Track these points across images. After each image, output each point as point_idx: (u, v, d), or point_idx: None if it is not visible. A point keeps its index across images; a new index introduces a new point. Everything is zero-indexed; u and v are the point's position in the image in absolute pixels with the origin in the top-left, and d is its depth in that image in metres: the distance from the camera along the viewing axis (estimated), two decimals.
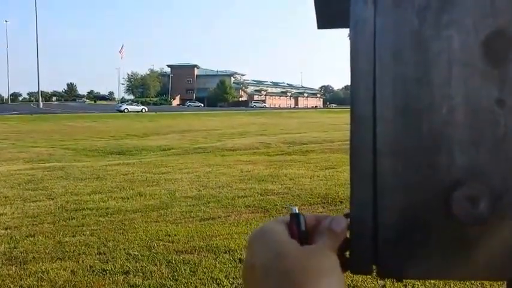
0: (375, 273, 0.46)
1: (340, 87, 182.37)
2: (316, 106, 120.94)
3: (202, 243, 4.33)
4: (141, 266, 3.82)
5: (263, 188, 6.70)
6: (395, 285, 3.24)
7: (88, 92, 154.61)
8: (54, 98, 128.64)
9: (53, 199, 6.34)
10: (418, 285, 3.33)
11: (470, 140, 0.44)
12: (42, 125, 27.28)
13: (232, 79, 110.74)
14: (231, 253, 4.05)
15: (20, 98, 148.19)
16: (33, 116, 39.39)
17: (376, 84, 0.45)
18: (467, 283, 3.33)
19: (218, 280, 3.52)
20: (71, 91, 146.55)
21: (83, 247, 4.30)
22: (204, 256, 4.01)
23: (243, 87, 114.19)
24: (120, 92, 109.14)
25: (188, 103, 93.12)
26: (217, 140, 17.13)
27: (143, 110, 60.34)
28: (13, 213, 5.62)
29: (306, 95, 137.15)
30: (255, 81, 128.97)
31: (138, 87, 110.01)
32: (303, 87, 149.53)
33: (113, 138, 18.67)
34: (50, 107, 70.16)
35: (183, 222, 5.09)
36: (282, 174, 7.97)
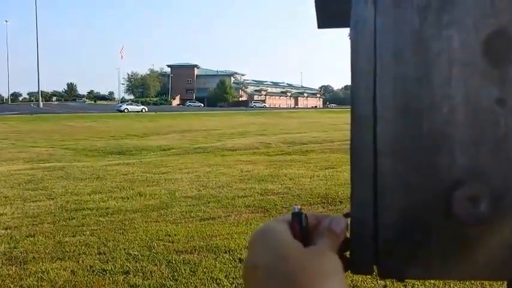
0: (375, 273, 0.46)
1: (340, 87, 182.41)
2: (316, 106, 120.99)
3: (202, 243, 4.33)
4: (141, 266, 3.82)
5: (263, 188, 6.70)
6: (395, 285, 3.25)
7: (88, 92, 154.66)
8: (54, 98, 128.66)
9: (53, 199, 6.34)
10: (418, 285, 3.33)
11: (471, 140, 0.44)
12: (42, 125, 27.28)
13: (232, 79, 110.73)
14: (231, 253, 4.05)
15: (20, 98, 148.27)
16: (33, 116, 39.39)
17: (376, 84, 0.45)
18: (467, 283, 3.33)
19: (218, 280, 3.52)
20: (71, 91, 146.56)
21: (83, 247, 4.30)
22: (204, 256, 4.01)
23: (243, 87, 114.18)
24: (120, 92, 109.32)
25: (188, 103, 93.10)
26: (217, 140, 17.14)
27: (143, 110, 60.34)
28: (13, 213, 5.62)
29: (305, 95, 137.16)
30: (255, 81, 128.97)
31: (138, 87, 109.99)
32: (302, 87, 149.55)
33: (113, 138, 18.67)
34: (50, 107, 70.16)
35: (183, 222, 5.09)
36: (282, 174, 7.97)
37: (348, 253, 0.47)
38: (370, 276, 2.81)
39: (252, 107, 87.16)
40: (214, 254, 4.06)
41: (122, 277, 3.62)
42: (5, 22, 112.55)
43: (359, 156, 0.46)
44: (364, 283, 3.38)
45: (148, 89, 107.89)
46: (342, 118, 29.37)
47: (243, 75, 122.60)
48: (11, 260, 4.03)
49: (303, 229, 0.46)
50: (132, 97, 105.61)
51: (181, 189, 6.89)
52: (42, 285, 3.51)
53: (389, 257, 0.45)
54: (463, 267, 0.44)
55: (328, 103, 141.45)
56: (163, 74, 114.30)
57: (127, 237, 4.58)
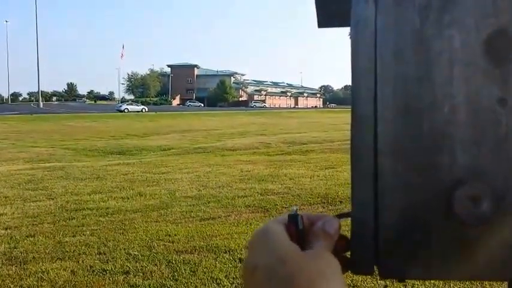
0: (375, 274, 0.46)
1: (340, 87, 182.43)
2: (316, 106, 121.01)
3: (202, 243, 4.33)
4: (141, 266, 3.82)
5: (263, 188, 6.70)
6: (395, 285, 3.24)
7: (88, 92, 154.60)
8: (54, 98, 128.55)
9: (53, 199, 6.34)
10: (418, 285, 3.32)
11: (472, 140, 0.44)
12: (42, 125, 27.28)
13: (232, 79, 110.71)
14: (231, 253, 4.05)
15: (20, 98, 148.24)
16: (33, 116, 39.38)
17: (377, 83, 0.45)
18: (467, 283, 3.33)
19: (218, 280, 3.52)
20: (71, 91, 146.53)
21: (83, 247, 4.30)
22: (204, 256, 4.01)
23: (243, 87, 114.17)
24: (120, 92, 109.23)
25: (188, 103, 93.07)
26: (217, 139, 17.14)
27: (143, 110, 60.32)
28: (13, 213, 5.62)
29: (305, 94, 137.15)
30: (255, 81, 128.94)
31: (138, 87, 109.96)
32: (302, 87, 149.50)
33: (113, 138, 18.67)
34: (50, 107, 70.14)
35: (183, 222, 5.09)
36: (282, 174, 7.97)
37: (348, 253, 0.47)
38: (370, 276, 2.81)
39: (252, 107, 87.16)
40: (215, 254, 4.05)
41: (122, 277, 3.62)
42: (5, 22, 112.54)
43: (359, 156, 0.46)
44: (364, 283, 3.38)
45: (148, 89, 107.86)
46: (342, 118, 29.37)
47: (243, 75, 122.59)
48: (11, 260, 4.03)
49: (300, 231, 0.46)
50: (132, 97, 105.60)
51: (182, 189, 6.89)
52: (42, 285, 3.51)
53: (389, 257, 0.45)
54: (464, 267, 0.44)
55: (328, 103, 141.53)
56: (163, 74, 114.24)
57: (127, 237, 4.58)
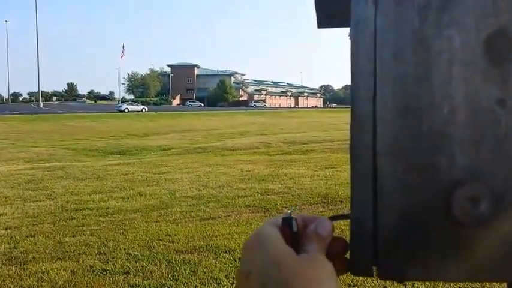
0: (375, 274, 0.46)
1: (340, 87, 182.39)
2: (316, 106, 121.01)
3: (202, 243, 4.33)
4: (141, 266, 3.82)
5: (263, 188, 6.70)
6: (396, 285, 3.24)
7: (88, 92, 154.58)
8: (54, 98, 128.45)
9: (53, 199, 6.34)
10: (418, 285, 3.32)
11: (471, 140, 0.44)
12: (42, 125, 27.28)
13: (233, 79, 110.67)
14: (231, 253, 4.05)
15: (20, 98, 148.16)
16: (34, 116, 39.38)
17: (376, 83, 0.45)
18: (467, 283, 3.32)
19: (218, 280, 3.52)
20: (71, 91, 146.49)
21: (83, 247, 4.30)
22: (204, 256, 4.01)
23: (243, 87, 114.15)
24: (120, 92, 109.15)
25: (188, 103, 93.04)
26: (218, 139, 17.14)
27: (143, 110, 60.31)
28: (13, 213, 5.62)
29: (306, 94, 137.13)
30: (255, 81, 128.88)
31: (138, 87, 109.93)
32: (303, 86, 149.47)
33: (113, 138, 18.67)
34: (50, 106, 70.14)
35: (183, 222, 5.09)
36: (282, 173, 7.97)
37: (347, 255, 0.47)
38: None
39: (252, 106, 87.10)
40: (215, 253, 4.05)
41: (122, 277, 3.62)
42: (5, 22, 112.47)
43: (359, 156, 0.46)
44: (364, 282, 3.38)
45: (148, 88, 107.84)
46: (342, 118, 29.37)
47: (243, 75, 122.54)
48: (11, 260, 4.03)
49: (294, 234, 0.45)
50: (132, 97, 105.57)
51: (182, 189, 6.89)
52: (42, 285, 3.51)
53: (388, 258, 0.45)
54: (463, 268, 0.44)
55: (328, 103, 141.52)
56: (163, 74, 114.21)
57: (127, 237, 4.58)
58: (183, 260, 3.92)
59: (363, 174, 0.45)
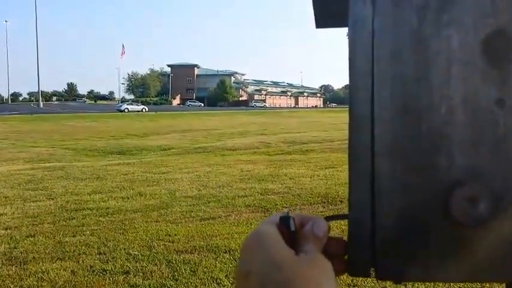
0: (373, 275, 0.46)
1: (340, 87, 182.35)
2: (316, 106, 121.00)
3: (202, 243, 4.33)
4: (141, 266, 3.82)
5: (263, 188, 6.70)
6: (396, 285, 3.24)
7: (88, 92, 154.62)
8: (54, 98, 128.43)
9: (53, 199, 6.34)
10: (417, 285, 3.32)
11: (470, 140, 0.44)
12: (42, 125, 27.28)
13: (233, 79, 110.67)
14: (232, 253, 4.05)
15: (20, 98, 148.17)
16: (34, 116, 39.37)
17: (374, 84, 0.45)
18: (467, 284, 3.32)
19: (218, 280, 3.52)
20: (71, 91, 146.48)
21: (83, 247, 4.30)
22: (205, 256, 4.01)
23: (243, 87, 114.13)
24: (120, 92, 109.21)
25: (188, 103, 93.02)
26: (218, 139, 17.13)
27: (143, 110, 60.29)
28: (13, 213, 5.62)
29: (306, 94, 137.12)
30: (255, 80, 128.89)
31: (138, 87, 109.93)
32: (303, 86, 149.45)
33: (113, 138, 18.67)
34: (50, 106, 70.12)
35: (183, 222, 5.09)
36: (282, 173, 7.97)
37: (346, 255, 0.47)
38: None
39: (252, 106, 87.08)
40: (215, 253, 4.05)
41: (122, 277, 3.62)
42: (4, 22, 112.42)
43: (357, 157, 0.46)
44: (364, 283, 3.38)
45: (148, 88, 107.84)
46: (342, 117, 29.35)
47: (243, 74, 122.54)
48: (11, 260, 4.03)
49: (291, 233, 0.45)
50: (132, 97, 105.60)
51: (182, 189, 6.89)
52: (42, 285, 3.51)
53: (387, 258, 0.45)
54: (462, 268, 0.44)
55: (328, 102, 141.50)
56: (163, 74, 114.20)
57: (127, 237, 4.58)
58: (183, 260, 3.92)
59: (361, 174, 0.45)
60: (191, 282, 3.50)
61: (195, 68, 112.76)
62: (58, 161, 11.42)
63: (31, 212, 5.65)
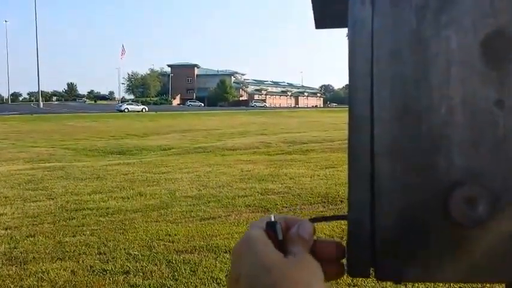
0: (372, 276, 0.46)
1: (341, 87, 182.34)
2: (316, 105, 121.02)
3: (202, 243, 4.33)
4: (142, 266, 3.82)
5: (263, 188, 6.70)
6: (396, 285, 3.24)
7: (88, 92, 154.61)
8: (54, 98, 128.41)
9: (53, 199, 6.34)
10: (417, 285, 3.32)
11: (469, 141, 0.44)
12: (42, 125, 27.28)
13: (233, 79, 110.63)
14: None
15: (20, 98, 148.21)
16: (34, 116, 39.36)
17: (373, 84, 0.45)
18: (466, 284, 3.32)
19: (218, 280, 3.52)
20: (71, 91, 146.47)
21: (83, 247, 4.30)
22: (205, 256, 4.01)
23: (244, 87, 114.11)
24: (120, 92, 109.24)
25: (188, 103, 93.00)
26: (218, 139, 17.13)
27: (143, 110, 60.28)
28: (13, 213, 5.62)
29: (306, 94, 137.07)
30: (255, 80, 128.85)
31: (138, 87, 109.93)
32: (303, 86, 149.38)
33: (113, 138, 18.67)
34: (50, 106, 70.10)
35: (184, 222, 5.09)
36: (282, 173, 7.97)
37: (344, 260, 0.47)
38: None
39: (252, 106, 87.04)
40: (215, 253, 4.06)
41: (122, 277, 3.62)
42: (4, 22, 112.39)
43: (356, 157, 0.46)
44: (364, 282, 3.38)
45: (148, 88, 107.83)
46: (342, 117, 29.33)
47: (243, 74, 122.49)
48: (11, 260, 4.03)
49: (278, 238, 0.46)
50: (132, 97, 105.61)
51: (182, 189, 6.89)
52: (42, 285, 3.51)
53: (386, 258, 0.45)
54: (461, 268, 0.44)
55: (328, 102, 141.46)
56: (163, 74, 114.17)
57: (127, 237, 4.58)
58: (183, 260, 3.92)
59: (361, 174, 0.45)
60: (191, 282, 3.50)
61: (195, 68, 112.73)
62: (58, 161, 11.42)
63: (31, 212, 5.65)
